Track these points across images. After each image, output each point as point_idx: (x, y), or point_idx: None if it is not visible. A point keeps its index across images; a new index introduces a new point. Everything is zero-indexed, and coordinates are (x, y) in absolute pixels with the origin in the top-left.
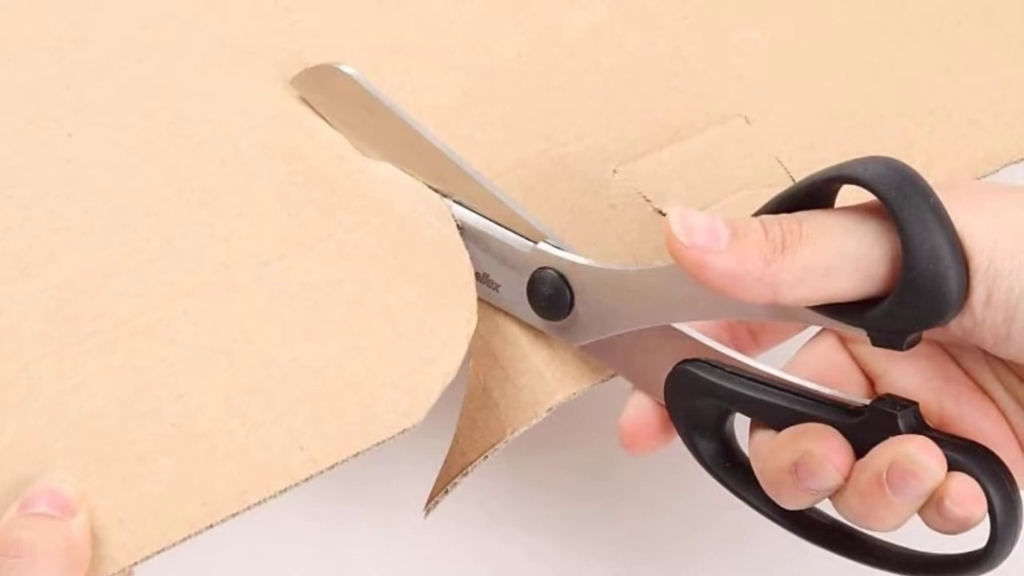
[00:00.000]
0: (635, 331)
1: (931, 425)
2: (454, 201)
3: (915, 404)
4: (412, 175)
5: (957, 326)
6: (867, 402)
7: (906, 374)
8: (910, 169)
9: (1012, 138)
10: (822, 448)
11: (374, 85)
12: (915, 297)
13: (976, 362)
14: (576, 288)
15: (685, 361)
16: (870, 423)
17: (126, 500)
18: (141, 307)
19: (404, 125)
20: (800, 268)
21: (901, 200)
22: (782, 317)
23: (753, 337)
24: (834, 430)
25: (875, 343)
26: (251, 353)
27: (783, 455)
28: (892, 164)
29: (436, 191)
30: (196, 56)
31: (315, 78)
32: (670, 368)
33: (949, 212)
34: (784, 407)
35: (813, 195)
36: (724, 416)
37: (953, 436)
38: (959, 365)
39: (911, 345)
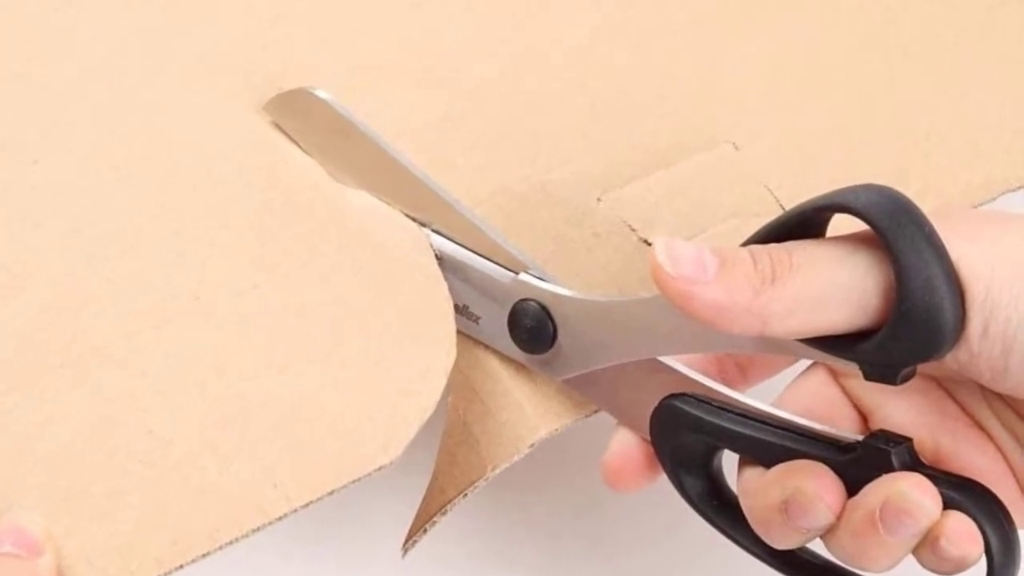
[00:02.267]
0: (620, 365)
1: (926, 462)
2: (432, 230)
3: (909, 440)
4: (389, 203)
5: (953, 359)
6: (860, 438)
7: (900, 409)
8: (904, 197)
9: (1010, 164)
10: (813, 486)
11: (349, 110)
12: (909, 329)
13: (972, 397)
14: (559, 320)
15: (671, 396)
16: (863, 460)
17: (94, 538)
18: (111, 338)
19: (381, 151)
20: (790, 299)
21: (895, 229)
22: (771, 350)
23: (742, 371)
24: (826, 467)
25: (868, 377)
26: (223, 385)
27: (773, 493)
28: (885, 192)
29: (414, 220)
30: (170, 77)
31: (289, 103)
32: (656, 403)
33: (945, 241)
34: (774, 443)
35: (803, 224)
36: (711, 452)
37: (948, 473)
38: (955, 400)
39: (905, 379)
